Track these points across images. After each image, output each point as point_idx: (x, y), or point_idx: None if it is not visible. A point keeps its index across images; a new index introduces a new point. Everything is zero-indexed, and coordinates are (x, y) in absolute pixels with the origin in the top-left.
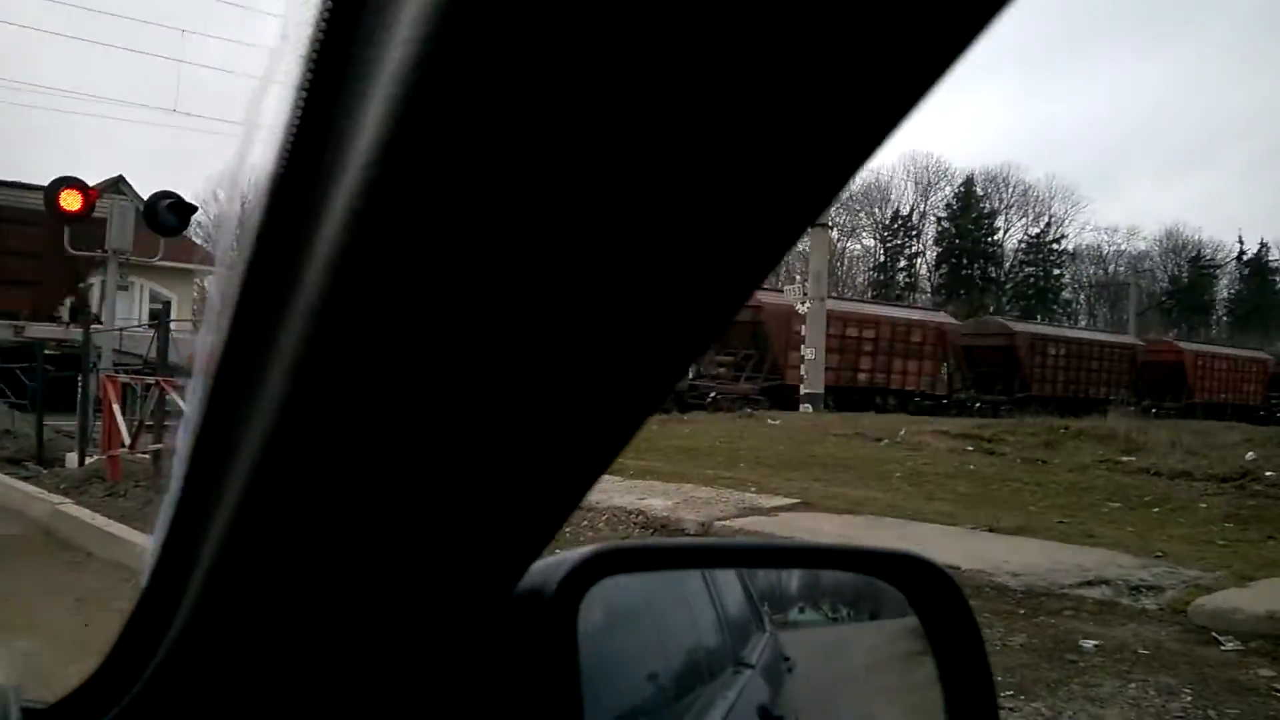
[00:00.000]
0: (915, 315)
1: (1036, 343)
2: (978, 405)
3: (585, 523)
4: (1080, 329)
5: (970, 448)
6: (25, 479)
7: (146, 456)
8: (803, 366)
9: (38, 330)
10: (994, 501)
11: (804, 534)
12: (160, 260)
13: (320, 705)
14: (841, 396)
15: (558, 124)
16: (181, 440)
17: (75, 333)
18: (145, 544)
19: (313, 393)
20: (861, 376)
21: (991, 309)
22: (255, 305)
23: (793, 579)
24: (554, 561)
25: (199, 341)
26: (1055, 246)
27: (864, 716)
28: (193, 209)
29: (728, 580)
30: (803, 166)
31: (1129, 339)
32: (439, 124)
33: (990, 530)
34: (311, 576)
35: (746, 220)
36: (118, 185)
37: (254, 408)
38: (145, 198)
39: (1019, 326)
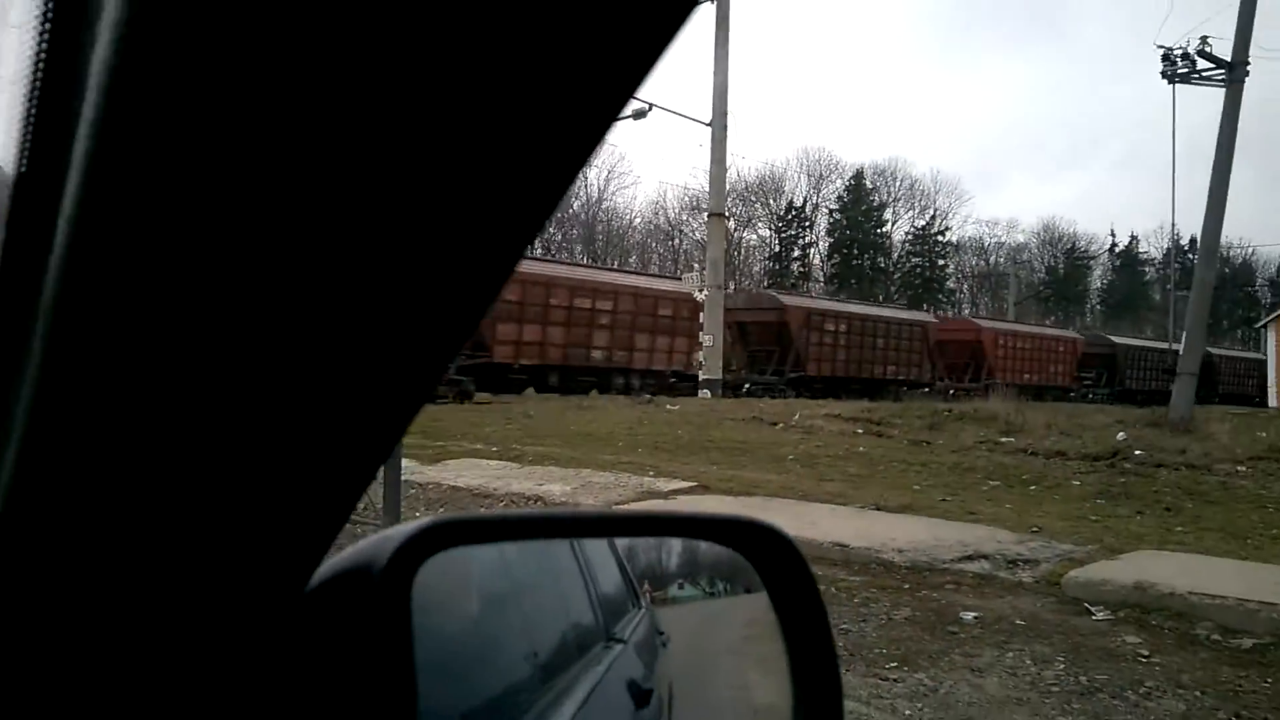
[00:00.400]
0: (666, 286)
1: (813, 318)
2: (746, 387)
3: (482, 510)
4: (867, 304)
5: (860, 430)
6: None
7: None
8: (700, 353)
9: None
10: (882, 481)
11: None
12: None
13: (107, 706)
14: (569, 378)
15: (273, 111)
16: None
17: None
18: None
19: (60, 386)
20: (596, 354)
21: (881, 297)
22: (8, 280)
23: (672, 557)
24: (382, 537)
25: None
26: (940, 238)
27: (737, 686)
28: None
29: (602, 559)
30: (517, 175)
31: (922, 316)
32: (144, 118)
33: (878, 509)
34: (80, 566)
35: (475, 216)
36: None
37: (16, 392)
38: None
39: (790, 299)
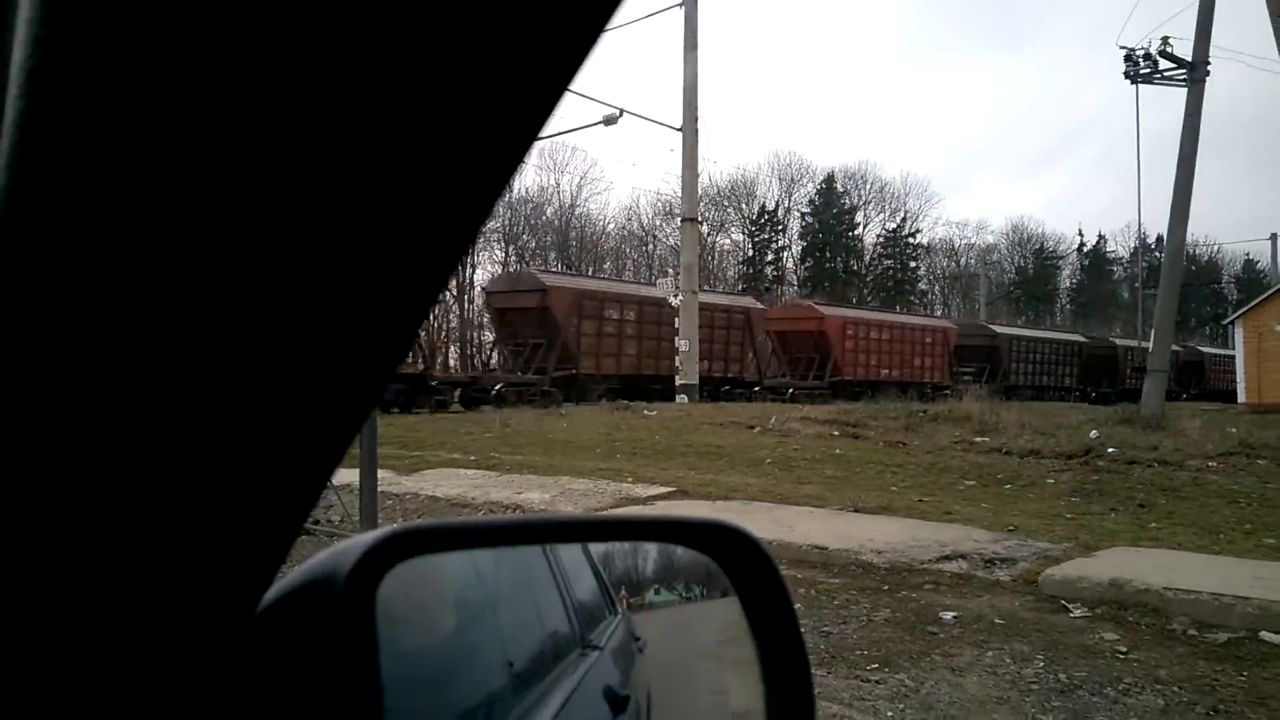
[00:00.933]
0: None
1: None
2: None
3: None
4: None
5: (836, 433)
6: None
7: None
8: (677, 358)
9: None
10: (859, 483)
11: None
12: None
13: None
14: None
15: (196, 104)
16: None
17: None
18: None
19: None
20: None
21: (854, 300)
22: None
23: (648, 563)
24: (345, 547)
25: None
26: (911, 240)
27: (715, 690)
28: None
29: (577, 566)
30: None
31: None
32: (64, 118)
33: (856, 511)
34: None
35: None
36: None
37: None
38: None
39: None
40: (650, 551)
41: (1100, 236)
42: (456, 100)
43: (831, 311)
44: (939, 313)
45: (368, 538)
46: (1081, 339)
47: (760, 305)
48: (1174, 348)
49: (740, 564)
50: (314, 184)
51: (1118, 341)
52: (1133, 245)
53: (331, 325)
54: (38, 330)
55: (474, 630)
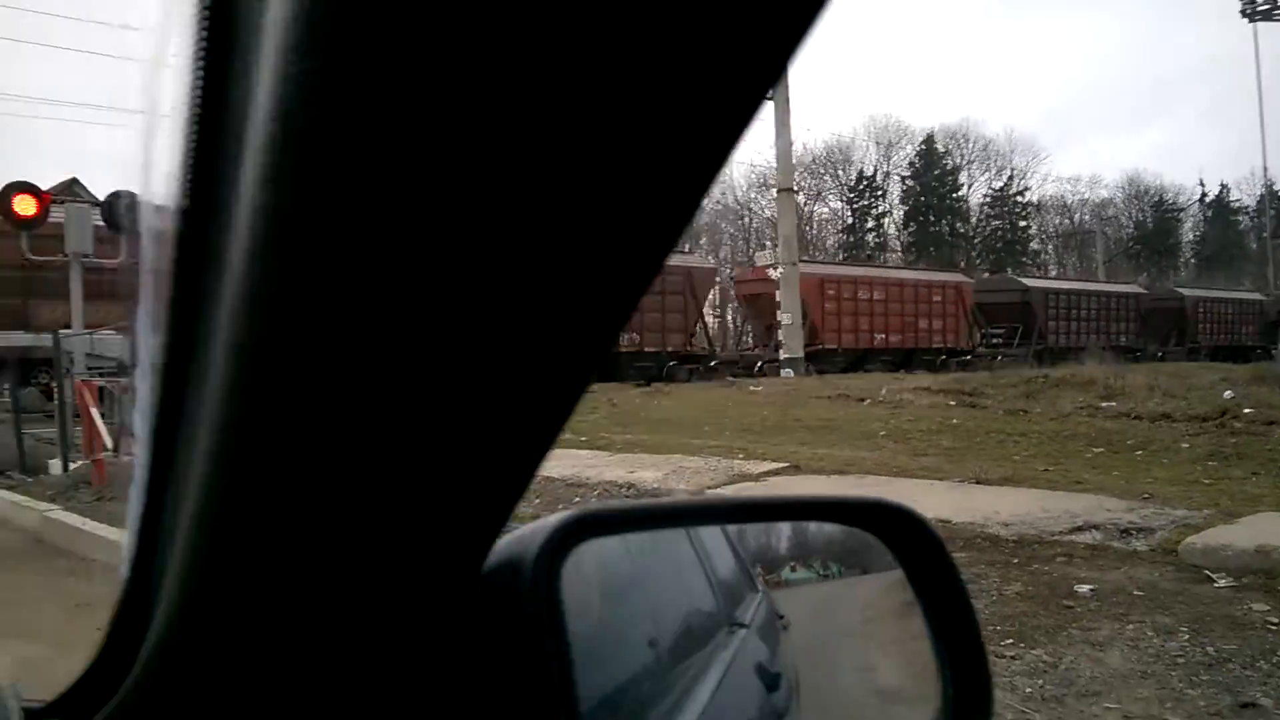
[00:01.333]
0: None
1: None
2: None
3: (578, 499)
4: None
5: (952, 402)
6: (10, 488)
7: (130, 459)
8: (780, 332)
9: (5, 339)
10: (979, 454)
11: None
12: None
13: (301, 697)
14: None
15: (466, 96)
16: (139, 439)
17: (45, 340)
18: None
19: (252, 387)
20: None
21: (962, 264)
22: (186, 301)
23: (781, 540)
24: (528, 530)
25: (140, 342)
26: (1019, 199)
27: (861, 668)
28: None
29: (716, 544)
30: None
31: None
32: (310, 138)
33: (977, 482)
34: (274, 567)
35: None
36: (71, 188)
37: (202, 404)
38: (102, 198)
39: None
40: (783, 529)
41: (1223, 185)
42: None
43: (809, 270)
44: (1053, 273)
45: (552, 521)
46: (1138, 290)
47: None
48: None
49: (904, 541)
50: (572, 185)
51: (1185, 292)
52: (1259, 193)
53: (558, 314)
54: (297, 335)
55: (626, 607)
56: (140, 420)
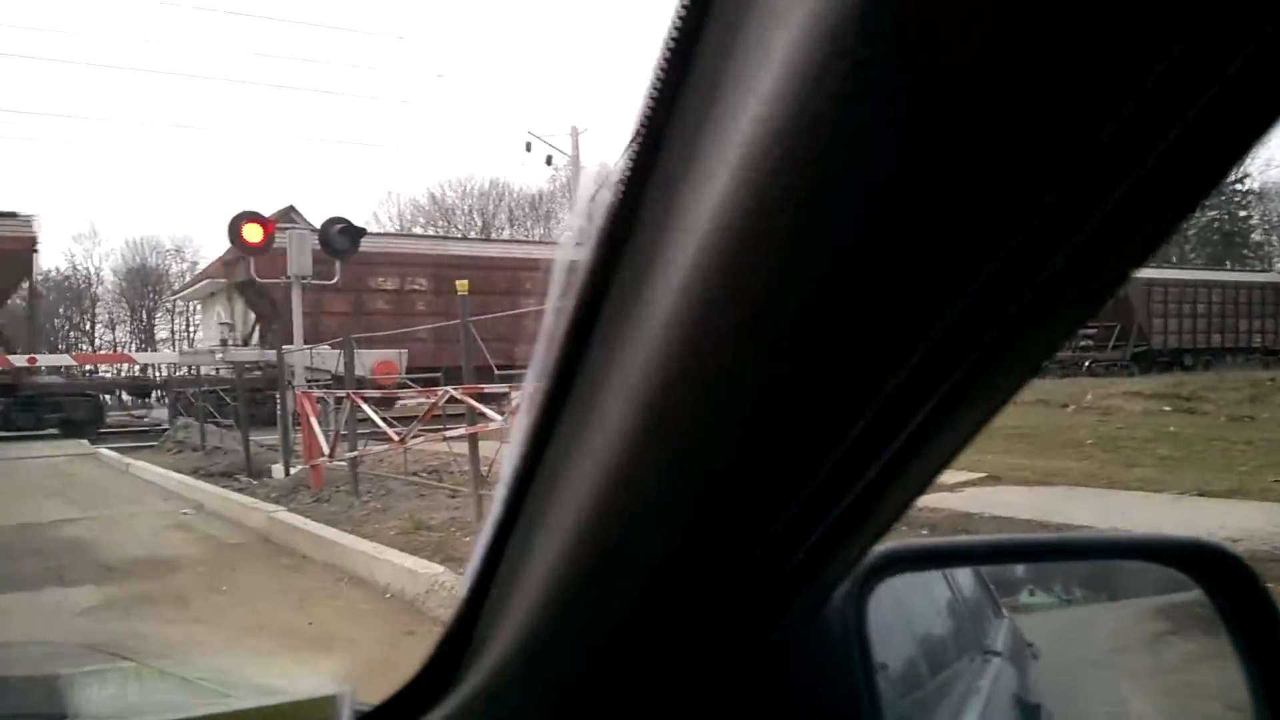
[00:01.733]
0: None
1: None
2: None
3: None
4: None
5: (1168, 408)
6: (239, 490)
7: (344, 464)
8: None
9: (237, 354)
10: (1200, 464)
11: (994, 509)
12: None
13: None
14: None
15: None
16: (508, 463)
17: (269, 354)
18: (352, 545)
19: (649, 420)
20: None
21: (1174, 258)
22: (589, 327)
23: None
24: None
25: (539, 363)
26: (1239, 187)
27: (1112, 702)
28: (362, 232)
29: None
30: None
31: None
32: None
33: (1200, 495)
34: (627, 600)
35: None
36: (289, 214)
37: (583, 434)
38: (317, 225)
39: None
40: None
41: None
42: None
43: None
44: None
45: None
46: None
47: None
48: None
49: (1220, 581)
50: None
51: None
52: None
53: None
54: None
55: (893, 636)
56: (512, 448)
